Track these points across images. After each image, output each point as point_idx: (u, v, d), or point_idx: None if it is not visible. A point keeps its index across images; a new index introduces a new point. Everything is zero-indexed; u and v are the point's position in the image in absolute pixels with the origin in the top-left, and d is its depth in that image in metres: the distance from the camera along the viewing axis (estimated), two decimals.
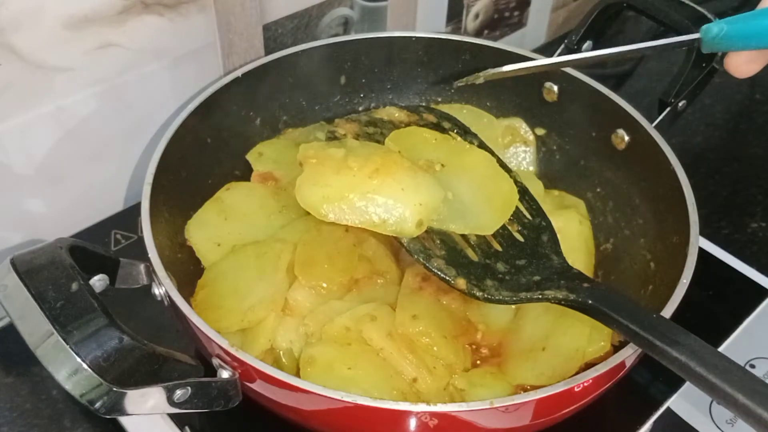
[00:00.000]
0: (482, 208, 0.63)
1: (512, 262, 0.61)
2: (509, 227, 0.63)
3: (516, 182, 0.67)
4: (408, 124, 0.68)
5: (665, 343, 0.50)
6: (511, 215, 0.64)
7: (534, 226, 0.64)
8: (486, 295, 0.58)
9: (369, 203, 0.58)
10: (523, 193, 0.66)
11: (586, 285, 0.57)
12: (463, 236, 0.62)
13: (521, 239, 0.62)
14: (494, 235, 0.62)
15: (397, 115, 0.69)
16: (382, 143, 0.65)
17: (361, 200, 0.58)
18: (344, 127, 0.66)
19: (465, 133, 0.70)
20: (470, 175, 0.65)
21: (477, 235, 0.62)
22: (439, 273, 0.59)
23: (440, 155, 0.65)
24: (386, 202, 0.58)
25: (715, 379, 0.47)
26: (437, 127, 0.69)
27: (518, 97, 0.83)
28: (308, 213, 0.73)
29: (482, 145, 0.70)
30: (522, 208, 0.65)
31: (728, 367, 0.47)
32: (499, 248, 0.62)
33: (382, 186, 0.58)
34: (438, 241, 0.60)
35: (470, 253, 0.61)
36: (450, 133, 0.69)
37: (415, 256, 0.59)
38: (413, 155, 0.63)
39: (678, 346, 0.49)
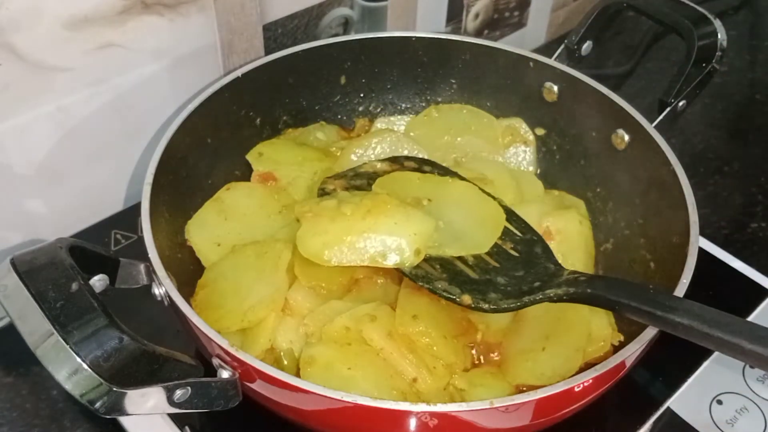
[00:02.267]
0: (473, 229, 0.67)
1: (511, 275, 0.64)
2: (503, 246, 0.66)
3: (502, 206, 0.70)
4: (391, 172, 0.72)
5: (666, 311, 0.53)
6: (502, 235, 0.67)
7: (525, 240, 0.67)
8: (492, 307, 0.61)
9: (367, 242, 0.62)
10: (510, 213, 0.70)
11: (583, 279, 0.60)
12: (461, 259, 0.64)
13: (516, 254, 0.66)
14: (489, 254, 0.65)
15: (379, 166, 0.72)
16: (369, 191, 0.69)
17: (359, 241, 0.62)
18: (333, 183, 0.70)
19: (446, 172, 0.73)
20: (457, 204, 0.68)
21: (474, 256, 0.65)
22: (444, 294, 0.62)
23: (426, 192, 0.69)
24: (383, 238, 0.62)
25: (720, 334, 0.49)
26: (419, 170, 0.73)
27: (518, 97, 0.83)
28: None
29: (463, 179, 0.73)
30: (511, 228, 0.68)
31: (729, 321, 0.50)
32: (497, 264, 0.64)
33: (377, 224, 0.62)
34: (438, 267, 0.63)
35: (470, 272, 0.64)
36: (432, 174, 0.73)
37: (420, 283, 0.62)
38: (400, 196, 0.67)
39: (677, 311, 0.52)
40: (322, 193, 0.69)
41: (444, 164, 0.76)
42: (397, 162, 0.74)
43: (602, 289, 0.58)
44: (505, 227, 0.68)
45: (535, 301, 0.61)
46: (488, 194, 0.71)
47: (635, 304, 0.55)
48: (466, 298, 0.61)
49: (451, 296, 0.61)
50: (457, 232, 0.66)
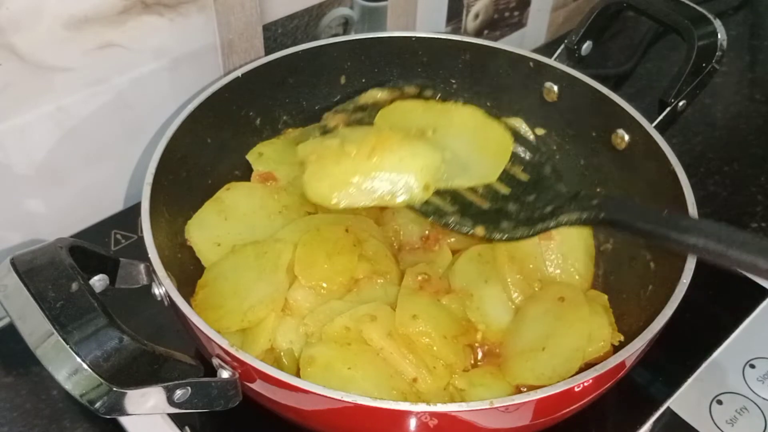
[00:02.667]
0: (481, 158, 0.65)
1: (522, 200, 0.63)
2: (511, 170, 0.65)
3: (508, 126, 0.68)
4: (392, 101, 0.70)
5: (680, 231, 0.52)
6: (511, 158, 0.66)
7: (534, 163, 0.66)
8: (505, 236, 0.60)
9: (374, 182, 0.60)
10: (517, 134, 0.68)
11: (595, 202, 0.59)
12: (471, 189, 0.63)
13: (525, 178, 0.65)
14: (499, 180, 0.64)
15: (379, 95, 0.71)
16: (371, 125, 0.68)
17: (366, 181, 0.60)
18: (333, 119, 0.68)
19: (448, 95, 0.71)
20: (462, 132, 0.66)
21: (483, 185, 0.64)
22: (456, 227, 0.61)
23: (429, 121, 0.67)
24: (390, 176, 0.60)
25: (735, 253, 0.50)
26: (420, 96, 0.71)
27: (518, 97, 0.83)
28: (309, 213, 0.74)
29: (468, 102, 0.71)
30: (520, 149, 0.67)
31: (745, 240, 0.50)
32: (507, 191, 0.64)
33: (382, 162, 0.60)
34: (448, 199, 0.62)
35: (481, 202, 0.63)
36: (433, 99, 0.71)
37: (431, 218, 0.61)
38: (404, 127, 0.65)
39: (693, 231, 0.52)
40: (324, 130, 0.67)
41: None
42: (397, 89, 0.71)
43: (615, 212, 0.57)
44: (513, 151, 0.66)
45: (548, 227, 0.60)
46: (496, 117, 0.69)
47: (649, 226, 0.54)
48: (479, 230, 0.60)
49: (464, 229, 0.60)
50: (465, 162, 0.64)
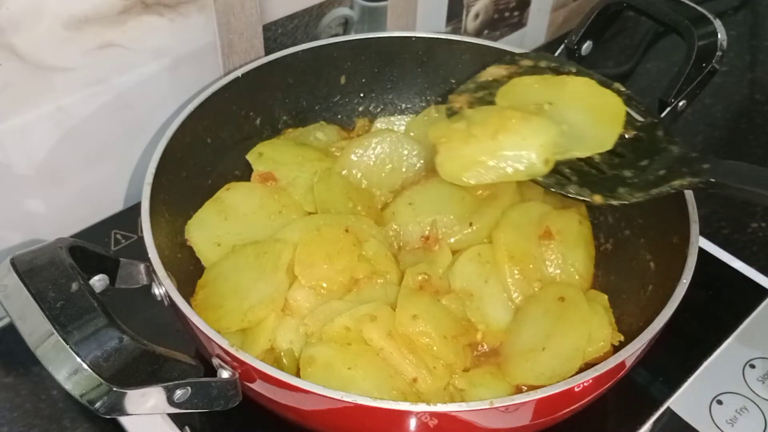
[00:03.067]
0: (596, 127, 0.67)
1: (637, 165, 0.64)
2: (626, 135, 0.67)
3: (620, 92, 0.70)
4: (509, 77, 0.74)
5: None
6: (624, 124, 0.68)
7: (646, 125, 0.68)
8: (622, 201, 0.62)
9: (499, 160, 0.64)
10: (629, 99, 0.70)
11: (706, 166, 0.61)
12: (588, 158, 0.65)
13: (638, 142, 0.66)
14: (614, 146, 0.66)
15: (497, 72, 0.74)
16: (493, 102, 0.71)
17: (492, 160, 0.64)
18: (457, 100, 0.72)
19: (561, 65, 0.74)
20: (577, 103, 0.69)
21: (600, 153, 0.66)
22: (577, 196, 0.63)
23: (545, 95, 0.70)
24: (513, 154, 0.64)
25: None
26: (535, 69, 0.74)
27: None
28: (309, 213, 0.74)
29: (580, 71, 0.74)
30: (632, 113, 0.69)
31: None
32: (622, 157, 0.65)
33: (506, 142, 0.64)
34: (568, 170, 0.64)
35: (597, 170, 0.65)
36: (547, 71, 0.74)
37: (553, 189, 0.64)
38: (522, 104, 0.69)
39: None
40: (450, 112, 0.71)
41: None
42: (513, 63, 0.75)
43: (725, 176, 0.59)
44: (627, 113, 0.68)
45: (661, 193, 0.61)
46: (608, 84, 0.71)
47: (760, 190, 0.56)
48: (597, 198, 0.62)
49: (584, 198, 0.62)
50: (581, 133, 0.66)
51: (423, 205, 0.74)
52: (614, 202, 0.62)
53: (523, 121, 0.65)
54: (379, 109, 0.88)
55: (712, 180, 0.59)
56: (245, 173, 0.78)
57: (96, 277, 0.57)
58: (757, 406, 0.69)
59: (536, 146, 0.64)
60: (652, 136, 0.67)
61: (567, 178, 0.64)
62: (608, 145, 0.66)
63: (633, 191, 0.62)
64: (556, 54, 0.81)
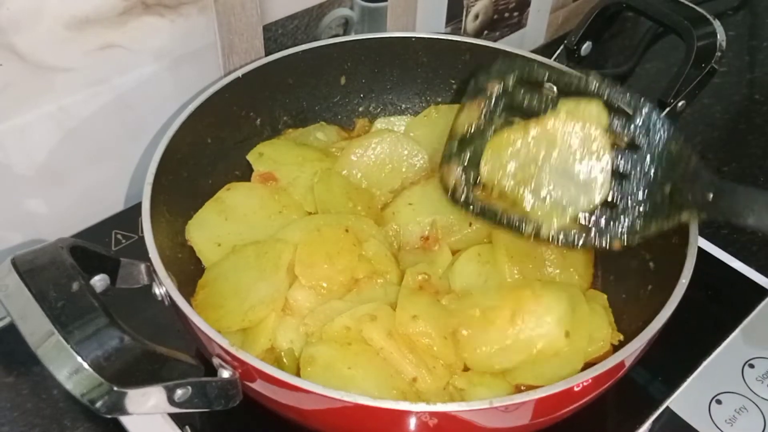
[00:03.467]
0: (579, 187, 0.64)
1: (645, 196, 0.62)
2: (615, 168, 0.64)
3: (599, 86, 0.65)
4: (481, 117, 0.68)
5: None
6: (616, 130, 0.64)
7: (633, 159, 0.63)
8: (639, 238, 0.62)
9: (522, 343, 0.63)
10: (610, 92, 0.64)
11: (710, 202, 0.59)
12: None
13: (636, 148, 0.63)
14: (616, 164, 0.63)
15: (469, 117, 0.69)
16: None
17: (516, 342, 0.63)
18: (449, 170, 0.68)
19: (529, 72, 0.69)
20: (558, 144, 0.65)
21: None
22: (596, 247, 0.63)
23: (531, 155, 0.65)
24: (533, 332, 0.63)
25: None
26: (507, 95, 0.68)
27: None
28: (309, 213, 0.74)
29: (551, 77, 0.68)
30: (619, 107, 0.64)
31: None
32: (619, 195, 0.63)
33: (525, 324, 0.63)
34: (574, 232, 0.63)
35: (604, 215, 0.63)
36: (518, 97, 0.68)
37: (578, 247, 0.63)
38: (529, 255, 0.70)
39: None
40: (469, 175, 0.66)
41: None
42: (479, 94, 0.68)
43: (730, 215, 0.58)
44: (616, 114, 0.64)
45: (671, 226, 0.61)
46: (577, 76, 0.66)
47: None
48: (617, 243, 0.62)
49: (604, 246, 0.62)
50: (574, 195, 0.64)
51: (423, 205, 0.74)
52: (634, 241, 0.62)
53: (539, 300, 0.64)
54: (379, 110, 0.88)
55: (720, 218, 0.59)
56: (245, 173, 0.79)
57: (97, 277, 0.57)
58: (757, 405, 0.69)
59: (555, 321, 0.63)
60: (651, 135, 0.63)
61: (577, 235, 0.63)
62: (597, 199, 0.63)
63: (649, 222, 0.62)
64: (555, 54, 0.81)
